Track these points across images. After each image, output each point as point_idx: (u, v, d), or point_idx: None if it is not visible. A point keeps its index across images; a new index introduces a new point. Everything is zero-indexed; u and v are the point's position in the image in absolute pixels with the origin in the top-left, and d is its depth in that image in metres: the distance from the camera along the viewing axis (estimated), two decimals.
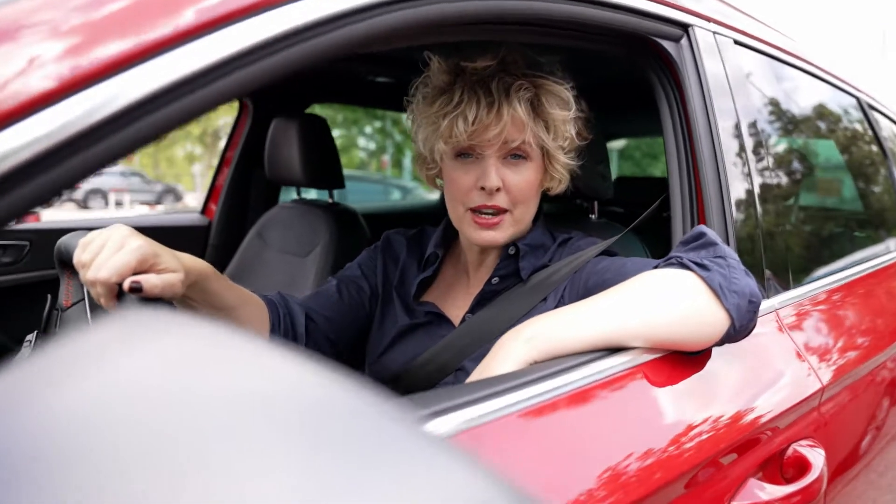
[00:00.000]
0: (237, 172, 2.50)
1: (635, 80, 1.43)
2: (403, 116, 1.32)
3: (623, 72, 1.98)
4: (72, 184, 0.55)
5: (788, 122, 1.62)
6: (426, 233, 1.42)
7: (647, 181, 4.00)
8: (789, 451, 1.01)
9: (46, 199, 0.54)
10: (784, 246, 1.33)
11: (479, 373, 0.90)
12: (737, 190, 1.23)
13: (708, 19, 1.29)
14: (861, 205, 2.04)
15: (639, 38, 1.18)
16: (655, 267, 0.99)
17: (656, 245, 1.44)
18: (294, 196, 2.34)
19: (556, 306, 1.19)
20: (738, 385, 1.02)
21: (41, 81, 0.52)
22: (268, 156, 2.19)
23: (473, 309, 1.25)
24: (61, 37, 0.54)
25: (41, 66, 0.52)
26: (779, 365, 1.11)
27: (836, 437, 1.14)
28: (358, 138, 19.26)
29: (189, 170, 25.03)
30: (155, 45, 0.58)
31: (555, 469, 0.74)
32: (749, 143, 1.31)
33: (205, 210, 2.57)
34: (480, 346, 1.16)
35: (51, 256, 2.20)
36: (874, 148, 2.09)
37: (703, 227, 0.99)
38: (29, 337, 1.12)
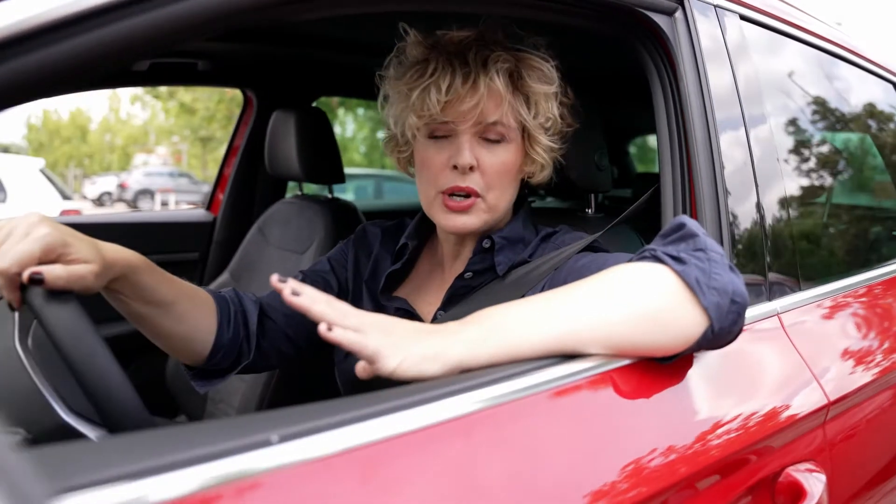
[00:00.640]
0: (242, 168, 2.45)
1: None
2: None
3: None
4: None
5: (804, 110, 1.47)
6: (405, 224, 1.33)
7: None
8: (782, 476, 0.88)
9: None
10: (792, 244, 1.18)
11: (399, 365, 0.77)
12: (736, 182, 1.10)
13: None
14: (891, 202, 1.85)
15: (625, 10, 1.07)
16: (630, 261, 0.87)
17: None
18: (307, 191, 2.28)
19: None
20: (724, 397, 0.89)
21: None
22: (267, 149, 2.13)
23: (445, 305, 1.16)
24: None
25: None
26: (777, 376, 0.98)
27: (843, 462, 1.00)
28: None
29: None
30: None
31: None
32: (754, 130, 1.17)
33: (210, 206, 2.53)
34: None
35: None
36: None
37: (683, 218, 0.87)
38: None
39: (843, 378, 1.06)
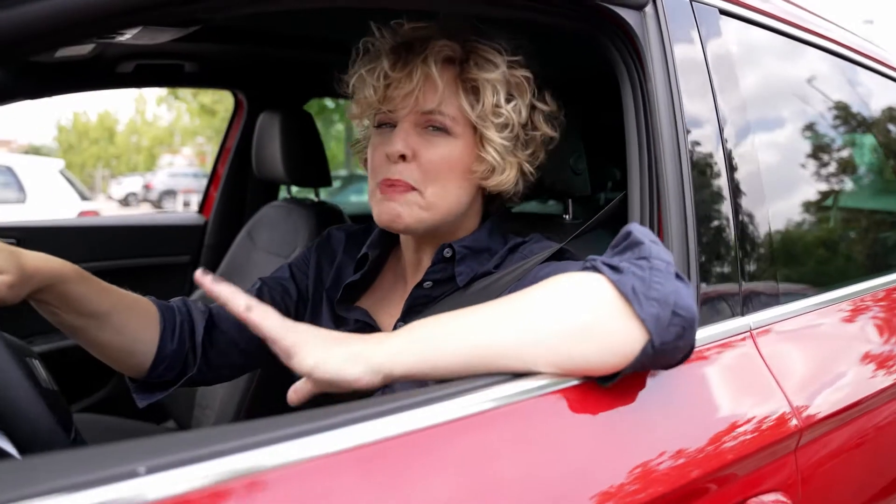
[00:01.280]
0: (232, 170, 2.43)
1: None
2: None
3: None
4: None
5: (789, 110, 1.38)
6: (371, 230, 1.28)
7: None
8: None
9: None
10: (770, 252, 1.11)
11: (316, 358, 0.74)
12: (707, 186, 1.03)
13: None
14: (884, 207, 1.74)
15: (589, 5, 1.01)
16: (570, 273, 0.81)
17: None
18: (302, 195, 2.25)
19: None
20: (683, 421, 0.83)
21: None
22: (254, 152, 2.10)
23: (405, 316, 1.11)
24: None
25: None
26: (745, 398, 0.91)
27: (815, 494, 0.93)
28: None
29: None
30: None
31: None
32: (731, 132, 1.10)
33: (202, 209, 2.50)
34: None
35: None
36: None
37: (632, 226, 0.81)
38: None
39: (819, 402, 0.98)
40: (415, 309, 1.10)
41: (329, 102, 6.40)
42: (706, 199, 1.03)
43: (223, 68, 2.25)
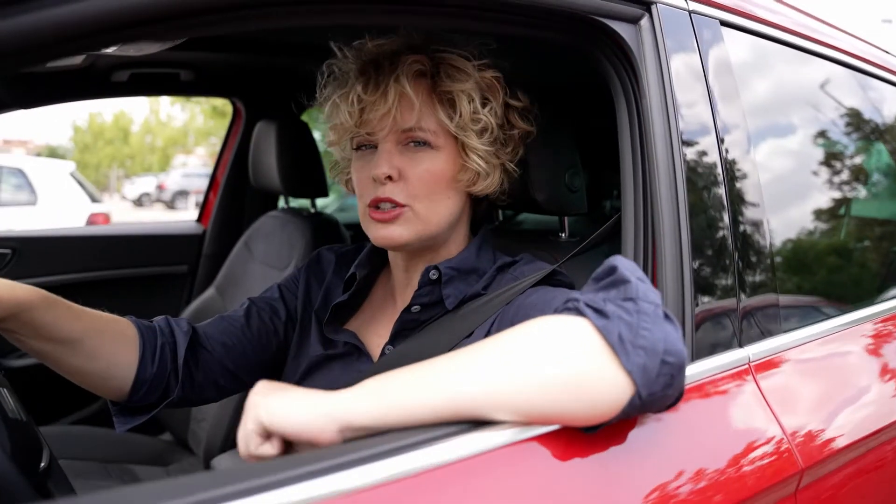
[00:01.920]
0: (231, 179, 2.40)
1: None
2: None
3: None
4: None
5: (795, 124, 1.32)
6: (362, 250, 1.24)
7: None
8: None
9: None
10: (772, 277, 1.05)
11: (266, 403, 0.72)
12: (703, 206, 0.98)
13: None
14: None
15: (580, 19, 0.96)
16: (554, 311, 0.77)
17: None
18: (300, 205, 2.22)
19: None
20: (675, 463, 0.78)
21: None
22: (251, 161, 2.07)
23: (394, 339, 1.07)
24: None
25: None
26: (743, 437, 0.86)
27: None
28: None
29: None
30: None
31: None
32: (731, 149, 1.05)
33: (201, 218, 2.48)
34: None
35: (35, 264, 2.19)
36: None
37: (616, 260, 0.76)
38: None
39: (822, 440, 0.93)
40: (403, 333, 1.07)
41: None
42: (703, 221, 0.98)
43: (219, 77, 2.22)
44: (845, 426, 0.99)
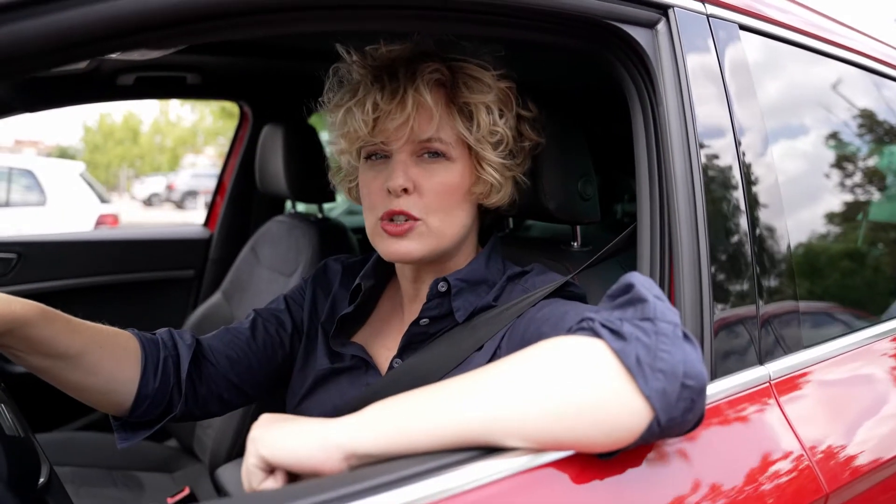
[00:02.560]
0: (237, 183, 2.38)
1: None
2: None
3: None
4: None
5: (817, 130, 1.28)
6: (369, 261, 1.21)
7: None
8: None
9: None
10: (793, 290, 1.02)
11: (270, 438, 0.69)
12: (722, 220, 0.95)
13: None
14: None
15: (595, 23, 0.93)
16: (568, 331, 0.73)
17: None
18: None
19: (491, 359, 0.97)
20: (694, 490, 0.74)
21: None
22: (258, 166, 2.05)
23: (402, 353, 1.05)
24: None
25: None
26: (764, 458, 0.82)
27: None
28: None
29: None
30: None
31: None
32: (751, 156, 1.02)
33: (207, 222, 2.46)
34: None
35: (40, 269, 2.17)
36: None
37: (633, 276, 0.73)
38: None
39: (845, 458, 0.89)
40: (411, 346, 1.05)
41: None
42: (721, 230, 0.94)
43: (226, 80, 2.20)
44: (870, 444, 0.95)
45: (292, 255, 1.95)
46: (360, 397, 1.03)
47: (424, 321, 1.03)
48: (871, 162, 1.47)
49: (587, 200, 1.24)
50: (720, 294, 0.92)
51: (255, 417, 1.87)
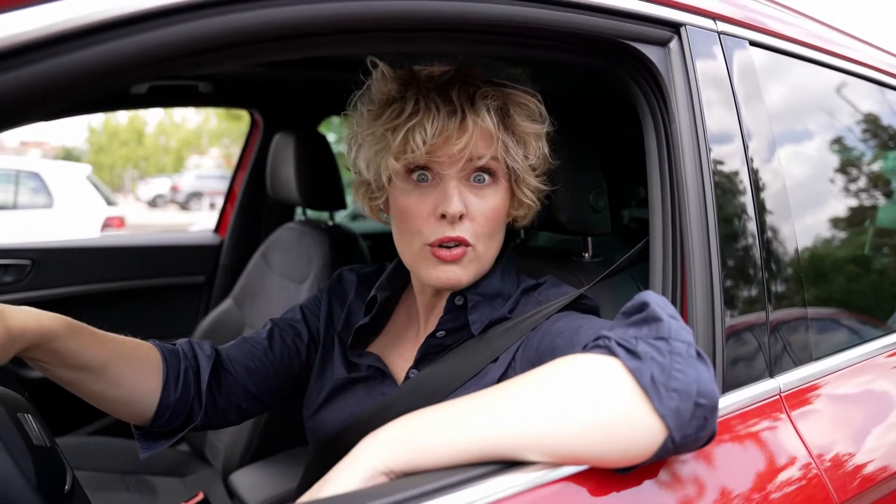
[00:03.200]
0: (248, 190, 2.40)
1: None
2: None
3: None
4: None
5: (828, 145, 1.30)
6: (384, 270, 1.23)
7: None
8: None
9: None
10: (801, 302, 1.03)
11: (319, 485, 0.70)
12: (734, 236, 0.96)
13: (709, 15, 1.03)
14: None
15: (608, 42, 0.94)
16: (584, 348, 0.75)
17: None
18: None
19: (506, 370, 0.99)
20: (704, 501, 0.76)
21: None
22: (269, 173, 2.07)
23: (418, 364, 1.06)
24: None
25: None
26: (775, 471, 0.84)
27: None
28: None
29: None
30: None
31: None
32: (763, 173, 1.03)
33: (218, 228, 2.48)
34: None
35: (54, 275, 2.19)
36: None
37: (648, 295, 0.75)
38: None
39: (856, 472, 0.91)
40: (427, 357, 1.06)
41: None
42: (733, 246, 0.96)
43: (238, 88, 2.22)
44: (879, 455, 0.96)
45: (303, 263, 1.97)
46: (376, 407, 1.05)
47: (441, 333, 1.04)
48: (883, 176, 1.48)
49: (599, 213, 1.25)
50: (731, 303, 0.93)
51: (267, 425, 1.90)
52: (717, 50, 1.03)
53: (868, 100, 1.40)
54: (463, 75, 1.00)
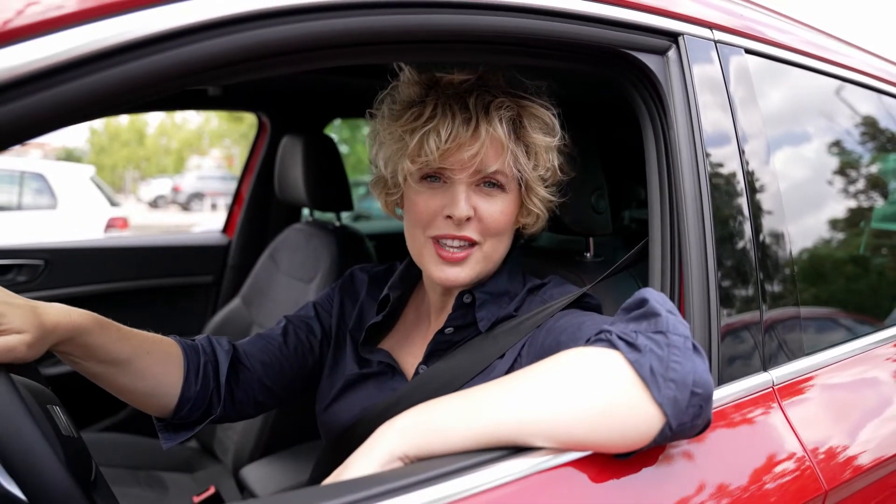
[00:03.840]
0: (256, 191, 2.44)
1: None
2: None
3: None
4: None
5: (824, 160, 1.34)
6: (395, 269, 1.27)
7: None
8: None
9: None
10: (794, 300, 1.08)
11: (339, 470, 0.75)
12: (729, 235, 1.01)
13: (706, 24, 1.08)
14: None
15: (609, 52, 0.99)
16: (587, 342, 0.80)
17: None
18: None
19: (511, 366, 1.03)
20: (699, 489, 0.81)
21: None
22: (277, 175, 2.11)
23: (427, 360, 1.11)
24: None
25: None
26: (767, 458, 0.88)
27: None
28: None
29: None
30: None
31: None
32: (757, 177, 1.08)
33: (226, 229, 2.52)
34: None
35: (67, 275, 2.24)
36: None
37: (647, 292, 0.79)
38: None
39: (846, 461, 0.95)
40: (436, 353, 1.10)
41: None
42: (729, 249, 1.00)
43: (246, 92, 2.26)
44: (867, 444, 1.01)
45: (311, 263, 2.01)
46: (387, 401, 1.09)
47: (449, 330, 1.08)
48: (880, 181, 1.52)
49: (600, 214, 1.30)
50: (727, 302, 0.98)
51: (276, 421, 1.93)
52: (714, 58, 1.08)
53: (860, 104, 1.45)
54: (483, 84, 1.04)
